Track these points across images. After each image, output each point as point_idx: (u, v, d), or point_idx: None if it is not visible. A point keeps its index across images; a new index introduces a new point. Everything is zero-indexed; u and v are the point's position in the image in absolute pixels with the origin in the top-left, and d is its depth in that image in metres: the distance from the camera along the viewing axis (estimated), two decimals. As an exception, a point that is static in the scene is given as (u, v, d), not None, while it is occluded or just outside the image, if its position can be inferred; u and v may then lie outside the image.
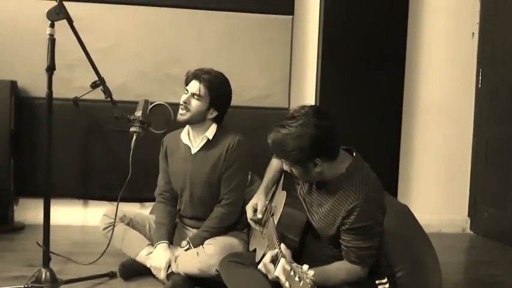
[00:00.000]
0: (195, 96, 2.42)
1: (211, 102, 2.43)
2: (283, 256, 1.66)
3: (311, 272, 1.46)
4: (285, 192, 2.09)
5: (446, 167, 3.86)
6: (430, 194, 3.82)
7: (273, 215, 2.08)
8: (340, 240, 1.82)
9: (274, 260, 1.69)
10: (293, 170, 1.85)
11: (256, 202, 2.20)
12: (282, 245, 1.73)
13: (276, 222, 1.98)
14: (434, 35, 3.77)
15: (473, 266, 3.18)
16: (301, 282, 1.44)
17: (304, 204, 1.99)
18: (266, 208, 2.20)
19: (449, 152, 3.86)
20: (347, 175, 1.81)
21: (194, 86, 2.43)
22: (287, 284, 1.52)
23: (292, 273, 1.50)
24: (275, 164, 2.29)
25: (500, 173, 3.63)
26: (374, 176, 1.87)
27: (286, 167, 1.88)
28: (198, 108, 2.42)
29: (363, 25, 3.54)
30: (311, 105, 1.83)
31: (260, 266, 1.77)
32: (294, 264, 1.54)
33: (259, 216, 2.16)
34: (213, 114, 2.46)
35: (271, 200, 2.25)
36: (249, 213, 2.20)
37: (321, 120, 1.75)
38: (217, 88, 2.44)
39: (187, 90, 2.45)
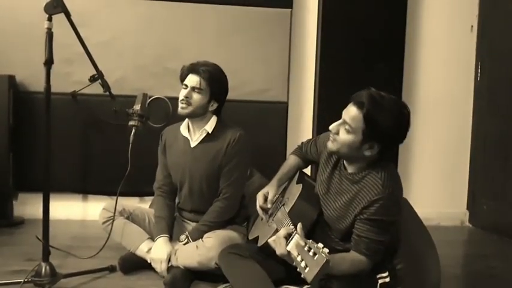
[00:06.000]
0: (196, 90, 2.41)
1: (211, 94, 2.44)
2: (298, 234, 1.65)
3: (326, 249, 1.46)
4: (301, 184, 2.09)
5: (445, 160, 3.86)
6: (429, 187, 3.81)
7: (283, 205, 2.08)
8: (354, 229, 1.82)
9: (287, 238, 1.66)
10: (341, 132, 1.81)
11: (268, 191, 2.18)
12: (299, 225, 1.70)
13: (287, 211, 1.98)
14: (433, 28, 3.76)
15: (472, 259, 3.19)
16: (316, 256, 1.45)
17: (320, 189, 1.99)
18: (276, 199, 2.19)
19: (448, 145, 3.86)
20: (374, 168, 1.83)
21: (193, 79, 2.42)
22: (299, 258, 1.51)
23: (306, 248, 1.50)
24: (292, 160, 2.30)
25: (499, 166, 3.63)
26: (398, 176, 1.88)
27: (335, 126, 1.82)
28: (199, 101, 2.42)
29: (362, 18, 3.52)
30: None
31: (271, 240, 1.73)
32: (310, 241, 1.54)
33: (269, 205, 2.14)
34: (213, 106, 2.47)
35: (282, 194, 2.23)
36: (260, 201, 2.16)
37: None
38: (217, 80, 2.44)
39: (185, 85, 2.44)
